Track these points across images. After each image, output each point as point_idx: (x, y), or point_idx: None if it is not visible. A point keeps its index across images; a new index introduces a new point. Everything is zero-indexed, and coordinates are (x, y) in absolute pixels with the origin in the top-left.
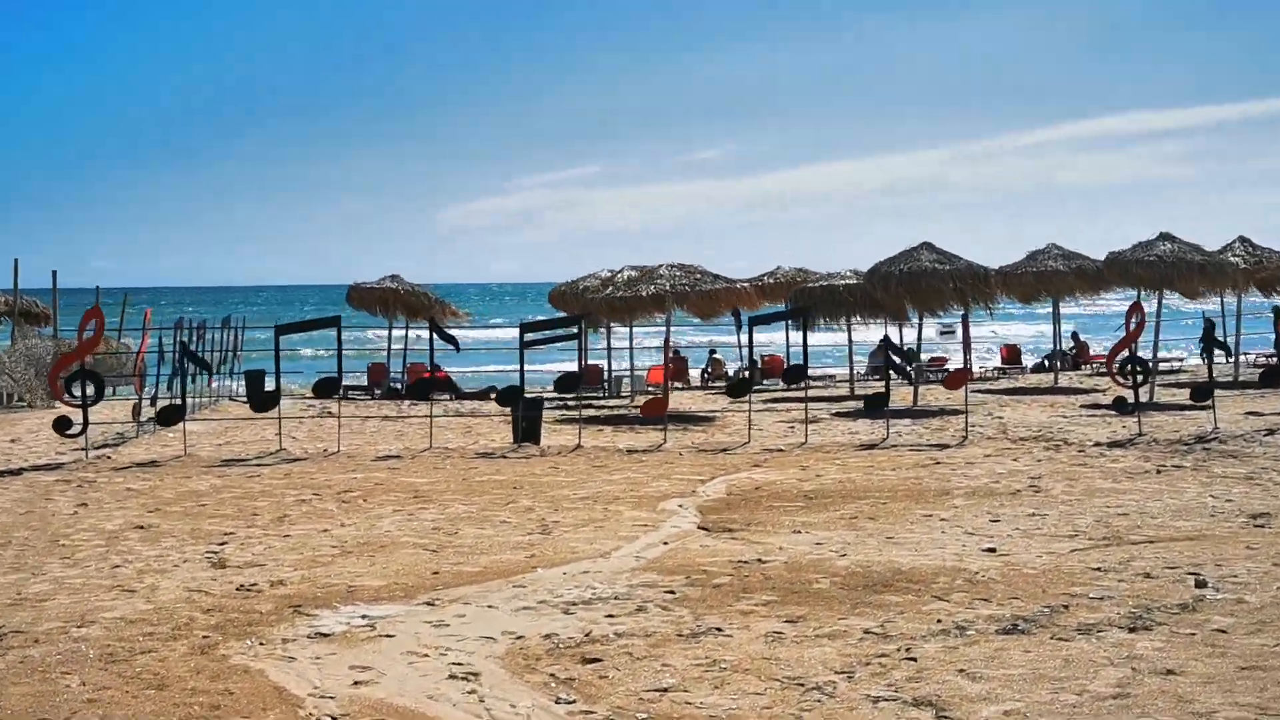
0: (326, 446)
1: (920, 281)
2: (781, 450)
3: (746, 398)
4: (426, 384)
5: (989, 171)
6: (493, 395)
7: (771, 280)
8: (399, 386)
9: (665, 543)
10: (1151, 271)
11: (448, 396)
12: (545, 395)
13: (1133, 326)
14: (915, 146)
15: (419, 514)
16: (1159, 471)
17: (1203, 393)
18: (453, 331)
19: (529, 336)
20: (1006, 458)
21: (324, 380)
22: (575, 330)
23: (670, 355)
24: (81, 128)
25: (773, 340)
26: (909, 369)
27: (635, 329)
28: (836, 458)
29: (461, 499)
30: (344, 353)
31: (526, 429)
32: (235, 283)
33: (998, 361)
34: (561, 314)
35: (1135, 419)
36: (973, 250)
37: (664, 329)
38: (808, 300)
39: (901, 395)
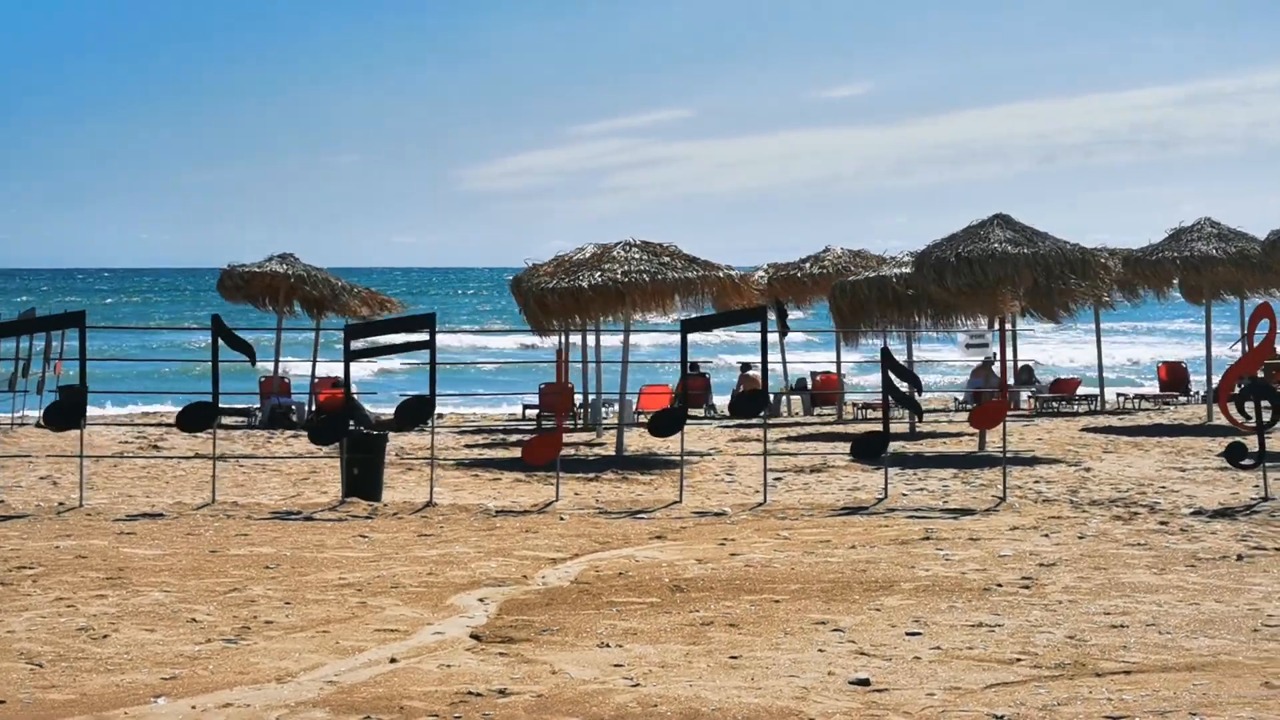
0: (67, 499)
1: (986, 270)
2: (720, 515)
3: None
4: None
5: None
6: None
7: (816, 269)
8: (290, 412)
9: (394, 659)
10: None
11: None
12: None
13: (1260, 339)
14: (1142, 81)
15: (86, 604)
16: (1239, 559)
17: None
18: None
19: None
20: (1036, 534)
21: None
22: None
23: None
24: None
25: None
26: (917, 396)
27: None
28: (789, 527)
29: (173, 582)
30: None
31: (358, 479)
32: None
33: (1152, 387)
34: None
35: (1261, 475)
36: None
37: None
38: (848, 297)
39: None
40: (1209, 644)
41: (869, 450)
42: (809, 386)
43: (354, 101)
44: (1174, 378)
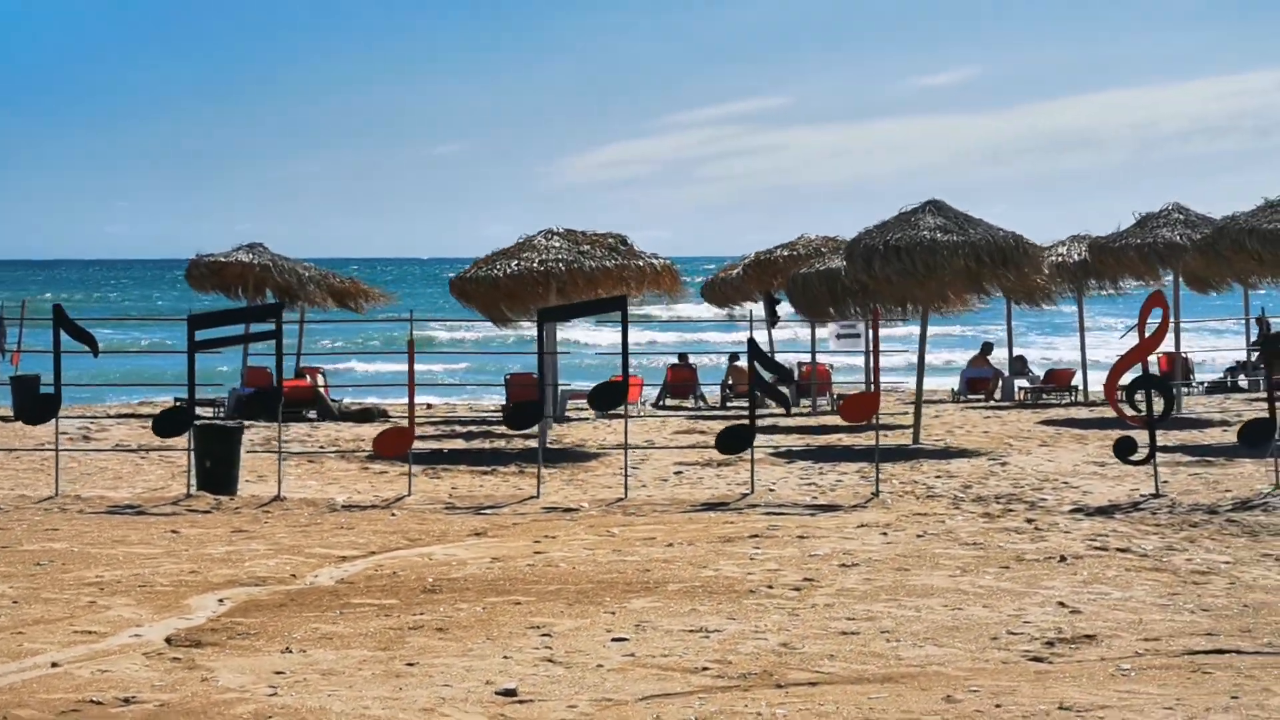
0: None
1: (914, 258)
2: (570, 511)
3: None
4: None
5: None
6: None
7: (785, 253)
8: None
9: (55, 664)
10: (1277, 249)
11: (313, 415)
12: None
13: (1150, 330)
14: (1241, 67)
15: None
16: (1062, 560)
17: (1256, 433)
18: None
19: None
20: (874, 532)
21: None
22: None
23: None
24: None
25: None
26: (785, 387)
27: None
28: (627, 524)
29: None
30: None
31: (210, 472)
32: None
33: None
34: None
35: (1151, 471)
36: None
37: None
38: (800, 288)
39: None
40: (930, 653)
41: (733, 443)
42: (795, 378)
43: (453, 93)
44: (1176, 368)
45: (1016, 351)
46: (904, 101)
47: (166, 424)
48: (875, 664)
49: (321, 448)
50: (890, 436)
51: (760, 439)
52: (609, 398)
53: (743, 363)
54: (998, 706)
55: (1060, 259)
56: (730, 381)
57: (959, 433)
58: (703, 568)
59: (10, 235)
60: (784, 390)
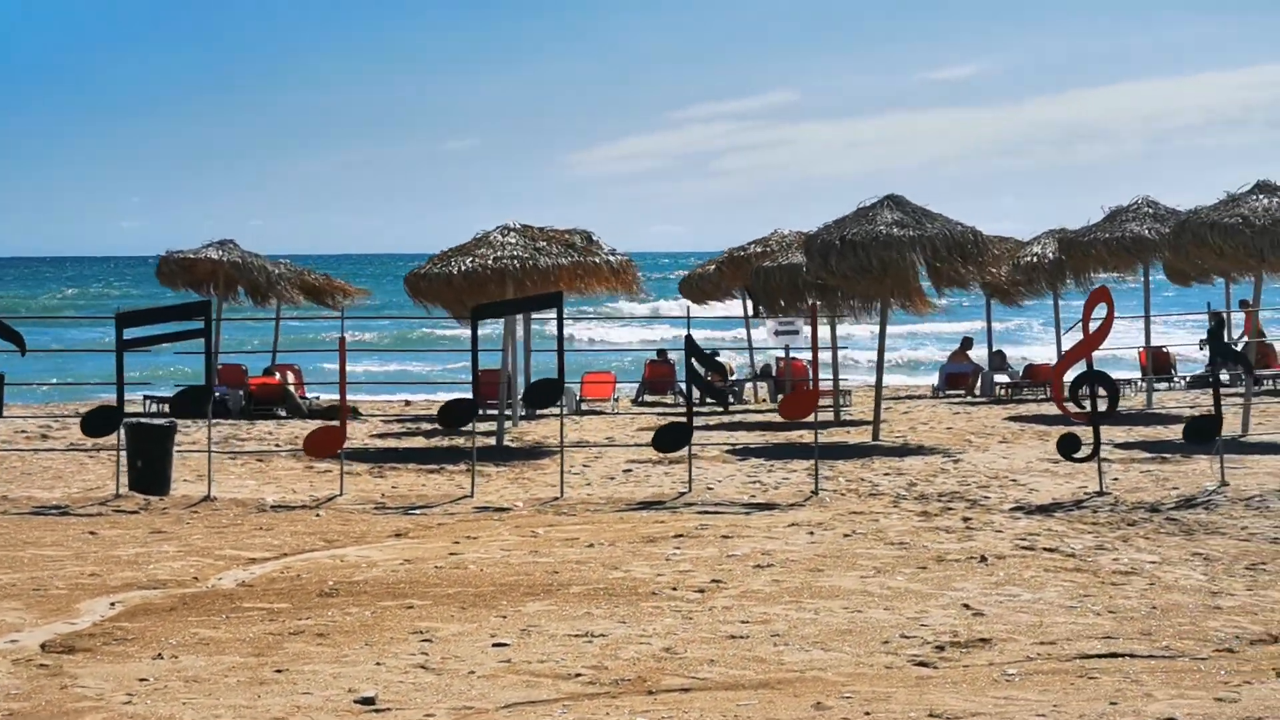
0: None
1: (870, 253)
2: (501, 510)
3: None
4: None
5: None
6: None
7: (758, 249)
8: (223, 398)
9: None
10: (1235, 242)
11: (282, 413)
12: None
13: (1094, 326)
14: (1254, 59)
15: None
16: (983, 561)
17: (1201, 429)
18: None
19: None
20: (802, 531)
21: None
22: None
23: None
24: None
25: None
26: (724, 383)
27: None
28: (554, 524)
29: None
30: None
31: (141, 472)
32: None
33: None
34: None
35: (1096, 469)
36: None
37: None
38: (762, 283)
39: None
40: (815, 658)
41: (671, 441)
42: (773, 373)
43: (470, 87)
44: (1159, 363)
45: (996, 347)
46: (912, 96)
47: (95, 423)
48: (755, 669)
49: (277, 445)
50: (854, 433)
51: (721, 435)
52: (543, 395)
53: (721, 358)
54: (867, 714)
55: (1035, 258)
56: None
57: (922, 429)
58: (614, 569)
59: (23, 231)
60: (720, 387)
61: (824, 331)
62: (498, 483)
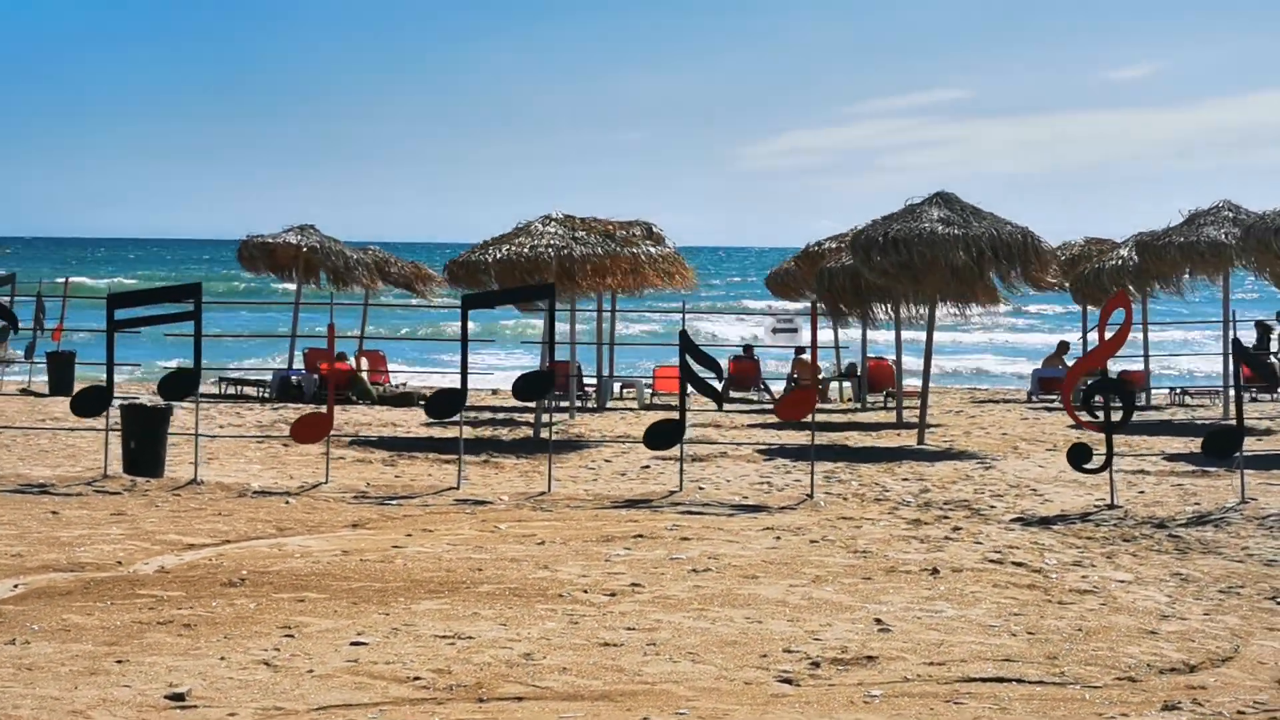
0: None
1: (912, 251)
2: (482, 504)
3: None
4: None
5: None
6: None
7: (834, 245)
8: (298, 382)
9: None
10: None
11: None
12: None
13: (1109, 333)
14: None
15: None
16: (934, 573)
17: (1220, 443)
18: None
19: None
20: (769, 536)
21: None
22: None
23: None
24: None
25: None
26: (717, 383)
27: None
28: (522, 520)
29: None
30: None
31: (135, 453)
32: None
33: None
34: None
35: (1107, 480)
36: None
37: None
38: (826, 283)
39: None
40: (678, 670)
41: (661, 439)
42: (859, 373)
43: (639, 79)
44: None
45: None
46: (1084, 96)
47: (85, 403)
48: (605, 679)
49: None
50: (904, 436)
51: (768, 435)
52: (533, 388)
53: (806, 356)
54: None
55: (1120, 260)
56: (795, 374)
57: (976, 434)
58: (544, 569)
59: (87, 213)
60: (715, 386)
61: (888, 334)
62: (504, 475)
